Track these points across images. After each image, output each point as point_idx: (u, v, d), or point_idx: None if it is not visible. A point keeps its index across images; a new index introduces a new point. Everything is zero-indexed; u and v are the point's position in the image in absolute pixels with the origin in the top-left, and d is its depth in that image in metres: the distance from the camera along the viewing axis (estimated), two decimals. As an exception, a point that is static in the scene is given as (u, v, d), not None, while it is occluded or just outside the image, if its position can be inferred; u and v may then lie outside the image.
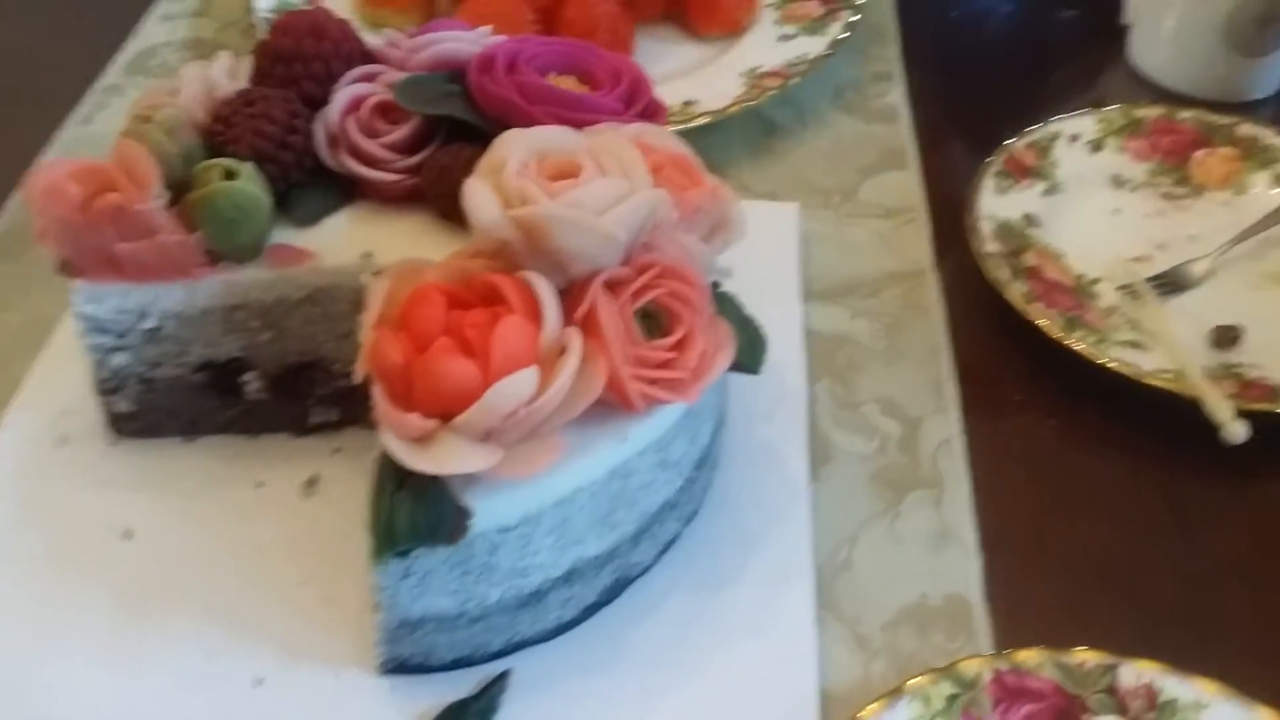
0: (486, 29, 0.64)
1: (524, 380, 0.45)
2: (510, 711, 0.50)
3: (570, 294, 0.49)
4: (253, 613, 0.54)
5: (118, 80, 0.89)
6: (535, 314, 0.47)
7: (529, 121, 0.55)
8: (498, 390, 0.44)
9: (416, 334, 0.47)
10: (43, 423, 0.62)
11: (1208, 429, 0.59)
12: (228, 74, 0.62)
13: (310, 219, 0.59)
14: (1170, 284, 0.69)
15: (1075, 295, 0.67)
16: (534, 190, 0.48)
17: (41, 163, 0.73)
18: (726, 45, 0.88)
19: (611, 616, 0.54)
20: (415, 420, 0.45)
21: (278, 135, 0.57)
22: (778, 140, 0.82)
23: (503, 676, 0.51)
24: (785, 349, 0.64)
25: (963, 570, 0.56)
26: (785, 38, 0.87)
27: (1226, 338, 0.65)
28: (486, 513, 0.46)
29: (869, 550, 0.57)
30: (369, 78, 0.61)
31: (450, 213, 0.57)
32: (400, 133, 0.58)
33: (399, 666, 0.51)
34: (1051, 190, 0.74)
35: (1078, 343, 0.62)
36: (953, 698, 0.48)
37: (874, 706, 0.48)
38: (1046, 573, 0.57)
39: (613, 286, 0.49)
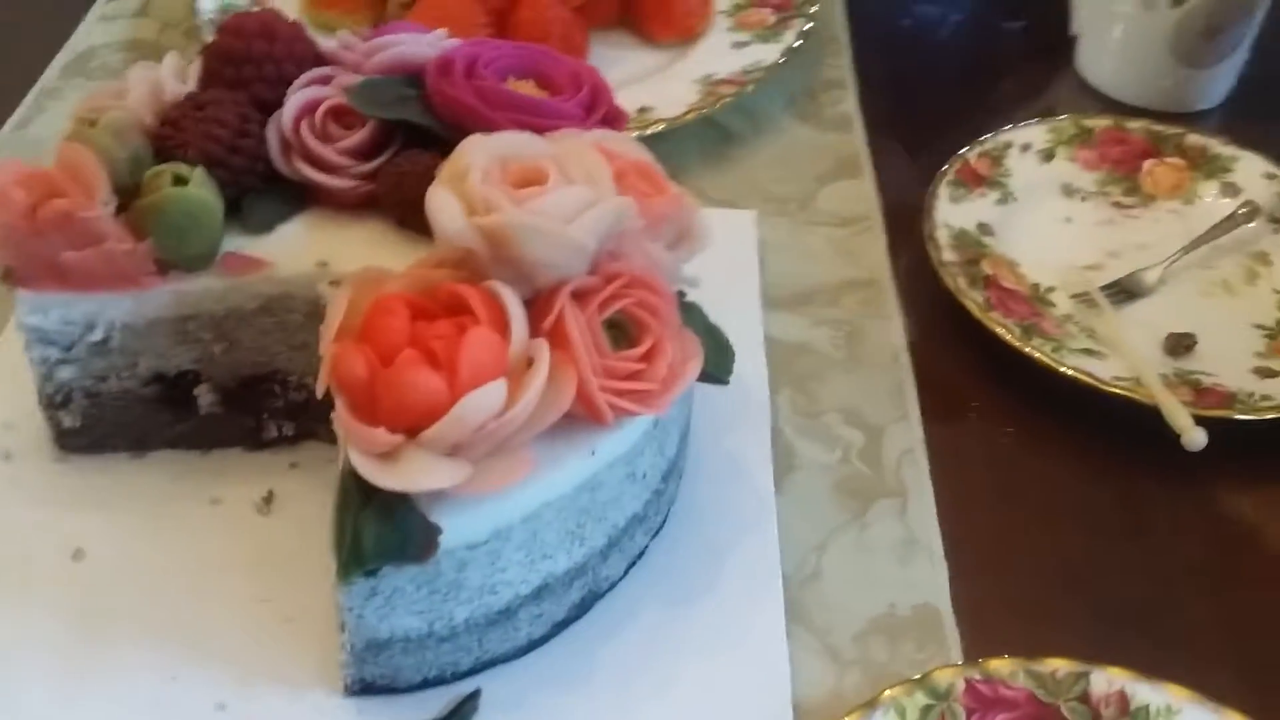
0: (442, 32, 0.63)
1: (493, 393, 0.44)
2: (480, 731, 0.50)
3: (536, 304, 0.48)
4: (212, 634, 0.52)
5: (55, 83, 0.86)
6: (502, 325, 0.46)
7: (489, 127, 0.54)
8: (466, 403, 0.43)
9: (380, 346, 0.46)
10: (-17, 439, 0.59)
11: (1164, 435, 0.60)
12: (175, 76, 0.60)
13: (263, 226, 0.57)
14: (1123, 292, 0.69)
15: (1031, 304, 0.68)
16: (499, 198, 0.48)
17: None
18: (680, 52, 0.88)
19: (582, 632, 0.53)
20: (381, 435, 0.44)
21: (228, 139, 0.56)
22: (733, 148, 0.82)
23: (473, 696, 0.50)
24: (747, 358, 0.64)
25: (930, 579, 0.56)
26: (739, 45, 0.87)
27: (1180, 345, 0.66)
28: (455, 529, 0.45)
29: (837, 560, 0.57)
30: (323, 81, 0.59)
31: (408, 220, 0.56)
32: (356, 138, 0.57)
33: (365, 688, 0.50)
34: (1004, 199, 0.75)
35: (1035, 351, 0.63)
36: (927, 708, 0.48)
37: (850, 718, 0.47)
38: (1012, 580, 0.57)
39: (580, 296, 0.48)
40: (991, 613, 0.55)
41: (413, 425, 0.44)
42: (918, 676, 0.49)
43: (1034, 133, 0.78)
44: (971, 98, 0.90)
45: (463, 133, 0.54)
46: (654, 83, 0.84)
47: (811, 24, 0.88)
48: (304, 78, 0.59)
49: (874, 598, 0.55)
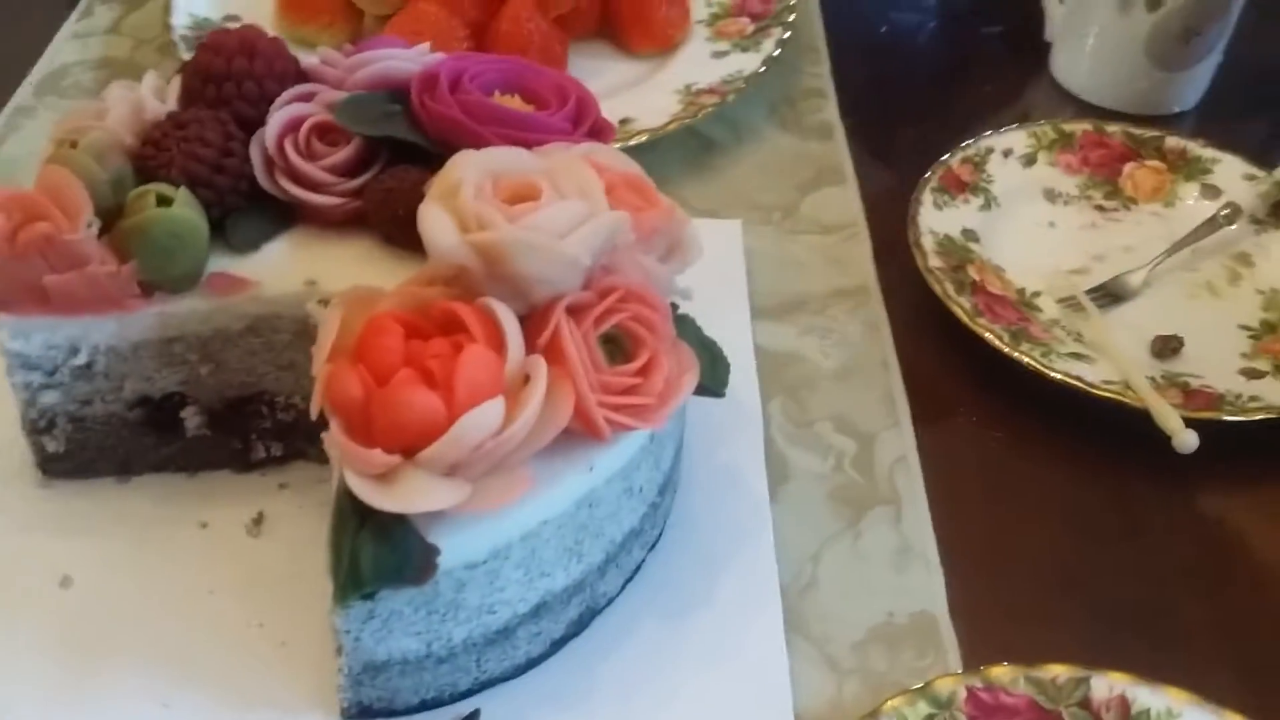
0: (425, 46, 0.62)
1: (491, 411, 0.44)
2: (481, 752, 0.49)
3: (531, 320, 0.48)
4: (205, 660, 0.51)
5: (28, 101, 0.86)
6: (498, 342, 0.46)
7: (477, 142, 0.54)
8: (465, 423, 0.43)
9: (375, 366, 0.45)
10: (-35, 465, 0.58)
11: (1153, 437, 0.60)
12: (155, 95, 0.59)
13: (249, 246, 0.56)
14: (1108, 295, 0.70)
15: (1018, 309, 0.68)
16: (493, 214, 0.47)
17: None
18: (660, 62, 0.88)
19: (580, 649, 0.52)
20: (378, 456, 0.44)
21: (212, 158, 0.55)
22: (715, 157, 0.82)
23: (473, 716, 0.50)
24: (738, 368, 0.62)
25: (926, 586, 0.56)
26: (718, 54, 0.87)
27: (1167, 348, 0.66)
28: (453, 550, 0.45)
29: (833, 569, 0.57)
30: (305, 98, 0.59)
31: (395, 237, 0.56)
32: (341, 155, 0.57)
33: (363, 711, 0.50)
34: (988, 205, 0.75)
35: (1025, 356, 0.63)
36: (930, 717, 0.48)
37: (852, 730, 0.47)
38: (1007, 585, 0.57)
39: (575, 312, 0.48)
40: (988, 618, 0.55)
41: (409, 445, 0.44)
42: (919, 686, 0.49)
43: (1015, 138, 0.78)
44: (949, 104, 0.90)
45: (450, 148, 0.54)
46: (634, 94, 0.84)
47: (789, 33, 0.88)
48: (286, 95, 0.58)
49: (871, 606, 0.55)
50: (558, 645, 0.52)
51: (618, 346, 0.49)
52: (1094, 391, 0.61)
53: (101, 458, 0.58)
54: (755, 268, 0.72)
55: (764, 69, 0.85)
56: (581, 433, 0.47)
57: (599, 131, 0.60)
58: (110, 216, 0.53)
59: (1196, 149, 0.77)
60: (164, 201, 0.53)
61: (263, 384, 0.58)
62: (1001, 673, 0.49)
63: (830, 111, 0.86)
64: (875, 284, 0.72)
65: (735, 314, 0.68)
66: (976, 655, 0.53)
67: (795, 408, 0.64)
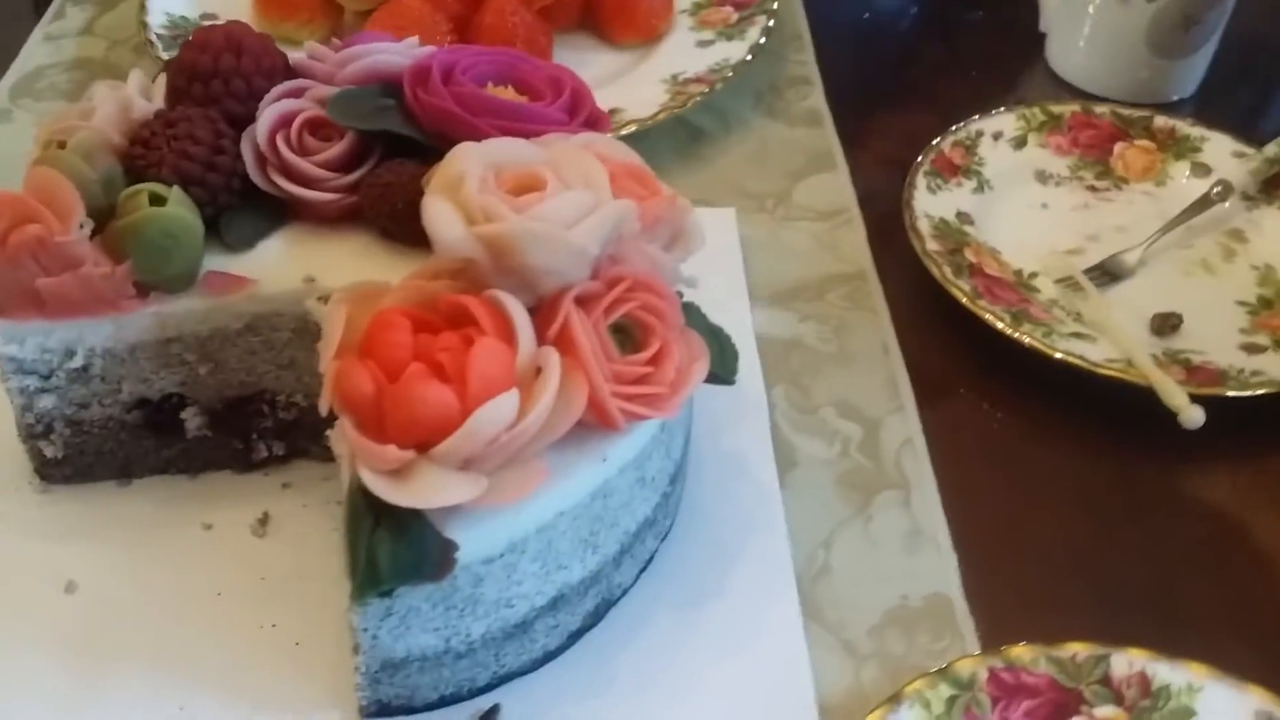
0: (414, 40, 0.62)
1: (505, 404, 0.43)
2: (501, 747, 0.49)
3: (540, 312, 0.47)
4: (219, 662, 0.50)
5: (3, 105, 0.84)
6: (508, 335, 0.45)
7: (473, 134, 0.53)
8: (480, 416, 0.42)
9: (385, 361, 0.44)
10: (-39, 473, 0.57)
11: (1156, 414, 0.60)
12: (141, 94, 0.58)
13: (244, 243, 0.56)
14: (1106, 275, 0.70)
15: (1017, 290, 0.68)
16: (499, 206, 0.47)
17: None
18: (644, 52, 0.87)
19: (597, 641, 0.52)
20: (392, 452, 0.43)
21: (204, 157, 0.54)
22: (704, 147, 0.82)
23: (493, 711, 0.49)
24: (740, 356, 0.63)
25: (940, 569, 0.56)
26: (703, 43, 0.87)
27: (1167, 325, 0.66)
28: (471, 544, 0.44)
29: (845, 555, 0.56)
30: (295, 93, 0.58)
31: (393, 232, 0.55)
32: (335, 150, 0.56)
33: (382, 709, 0.49)
34: (981, 188, 0.75)
35: (1027, 337, 0.63)
36: (952, 699, 0.48)
37: (876, 714, 0.47)
38: (1018, 564, 0.57)
39: (583, 302, 0.48)
40: (1002, 598, 0.55)
41: (423, 440, 0.43)
42: (939, 668, 0.49)
43: (1004, 121, 0.78)
44: (934, 89, 0.90)
45: (445, 141, 0.53)
46: (621, 84, 0.84)
47: (773, 21, 0.88)
48: (276, 91, 0.57)
49: (885, 590, 0.55)
50: (575, 637, 0.52)
51: (627, 336, 0.48)
52: (1097, 370, 0.61)
53: (101, 461, 0.57)
54: (751, 255, 0.72)
55: (750, 57, 0.84)
56: (594, 424, 0.47)
57: (595, 122, 0.59)
58: (102, 217, 0.52)
59: (1185, 127, 0.78)
60: (157, 201, 0.52)
61: (263, 383, 0.57)
62: (1022, 652, 0.49)
63: (817, 98, 0.86)
64: (872, 269, 0.72)
65: (734, 302, 0.68)
66: (993, 638, 0.53)
67: (798, 394, 0.64)
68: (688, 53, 0.86)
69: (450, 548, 0.44)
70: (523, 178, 0.49)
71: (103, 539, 0.55)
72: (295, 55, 0.60)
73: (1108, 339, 0.64)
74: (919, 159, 0.75)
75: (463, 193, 0.47)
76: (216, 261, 0.54)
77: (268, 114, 0.56)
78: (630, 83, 0.84)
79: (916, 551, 0.57)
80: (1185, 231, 0.73)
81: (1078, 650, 0.49)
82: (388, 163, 0.56)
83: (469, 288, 0.47)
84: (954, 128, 0.77)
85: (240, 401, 0.57)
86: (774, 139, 0.82)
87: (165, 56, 0.82)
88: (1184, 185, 0.76)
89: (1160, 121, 0.78)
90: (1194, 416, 0.59)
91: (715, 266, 0.69)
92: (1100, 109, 0.79)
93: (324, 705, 0.49)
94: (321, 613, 0.51)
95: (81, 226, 0.51)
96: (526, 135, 0.53)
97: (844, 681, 0.51)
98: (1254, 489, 0.61)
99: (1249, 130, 0.78)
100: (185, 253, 0.53)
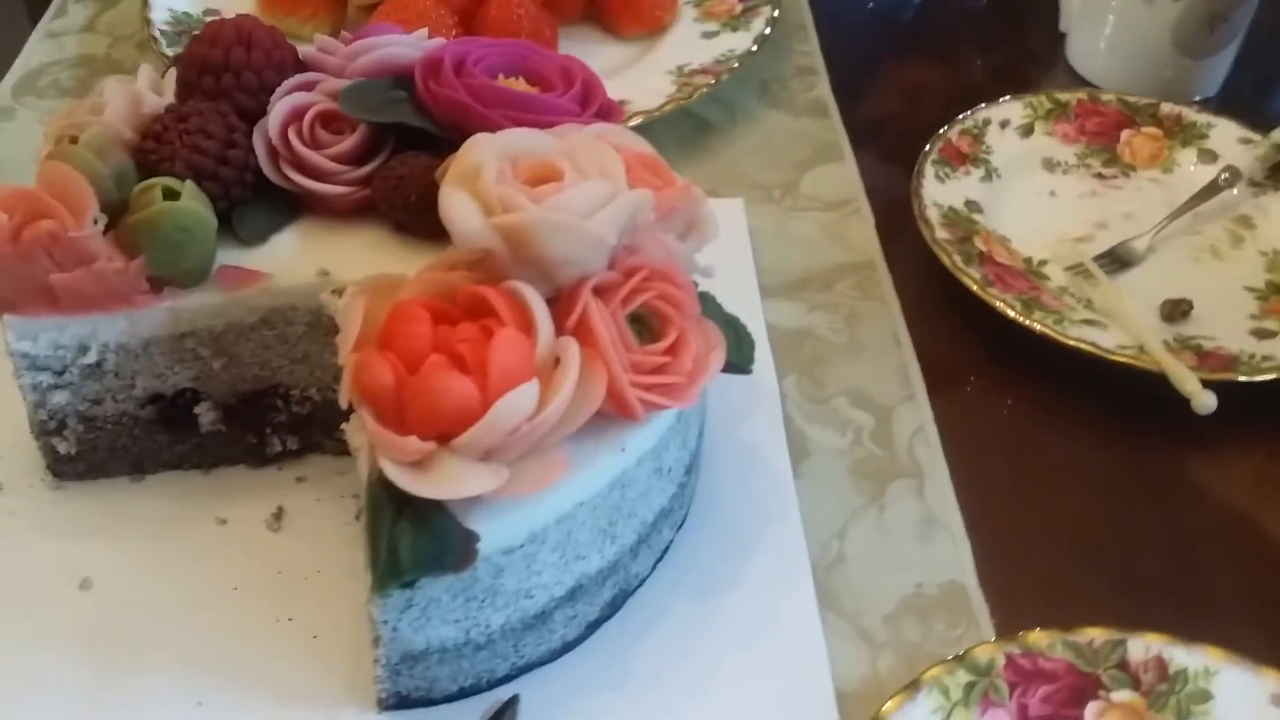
0: (423, 32, 0.61)
1: (526, 395, 0.43)
2: (521, 737, 0.49)
3: (558, 302, 0.47)
4: (236, 657, 0.51)
5: (6, 103, 0.84)
6: (527, 325, 0.46)
7: (486, 125, 0.53)
8: (500, 407, 0.43)
9: (405, 353, 0.44)
10: (-27, 470, 0.57)
11: (1168, 400, 0.61)
12: (151, 88, 0.58)
13: (257, 237, 0.56)
14: (1115, 261, 0.70)
15: (1027, 278, 0.68)
16: (517, 196, 0.47)
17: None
18: (649, 44, 0.87)
19: (615, 631, 0.52)
20: (413, 443, 0.43)
21: (216, 151, 0.54)
22: (711, 138, 0.82)
23: (512, 702, 0.49)
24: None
25: (954, 556, 0.56)
26: (708, 35, 0.87)
27: (1177, 311, 0.66)
28: (492, 535, 0.44)
29: (859, 543, 0.57)
30: (307, 87, 0.58)
31: (406, 224, 0.55)
32: (347, 143, 0.56)
33: (401, 701, 0.49)
34: (989, 176, 0.75)
35: (1038, 324, 0.63)
36: (970, 685, 0.48)
37: (894, 701, 0.47)
38: (1033, 552, 0.57)
39: (601, 292, 0.48)
40: (1016, 584, 0.55)
41: (444, 432, 0.43)
42: (957, 655, 0.49)
43: (1011, 109, 0.78)
44: (939, 78, 0.90)
45: (458, 133, 0.53)
46: (627, 76, 0.83)
47: (778, 11, 0.88)
48: (287, 84, 0.57)
49: (900, 578, 0.55)
50: (593, 628, 0.52)
51: (644, 326, 0.49)
52: (1109, 357, 0.61)
53: (114, 458, 0.57)
54: (759, 246, 0.72)
55: (756, 48, 0.84)
56: (613, 414, 0.47)
57: (607, 112, 0.60)
58: (114, 212, 0.52)
59: (1191, 114, 0.78)
60: (170, 195, 0.52)
61: (277, 377, 0.57)
62: (1039, 638, 0.49)
63: (823, 89, 0.86)
64: (881, 258, 0.72)
65: (745, 292, 0.68)
66: (1008, 624, 0.53)
67: (810, 384, 0.64)
68: (693, 44, 0.86)
69: (472, 539, 0.44)
70: (539, 168, 0.49)
71: (117, 535, 0.55)
72: (305, 49, 0.60)
73: (1119, 325, 0.64)
74: (926, 148, 0.75)
75: (480, 184, 0.47)
76: (230, 256, 0.54)
77: (279, 107, 0.56)
78: (635, 75, 0.84)
79: (931, 539, 0.57)
80: (1193, 218, 0.73)
81: (1094, 635, 0.49)
82: (400, 155, 0.56)
83: (487, 279, 0.47)
84: (961, 116, 0.77)
85: (254, 396, 0.57)
86: (780, 130, 0.82)
87: (169, 53, 0.81)
88: (1191, 172, 0.76)
89: (1167, 108, 0.78)
90: (1206, 402, 0.59)
91: (725, 257, 0.68)
92: (1107, 96, 0.79)
93: (342, 698, 0.49)
94: (338, 606, 0.51)
95: (95, 221, 0.51)
96: (539, 126, 0.53)
97: (861, 669, 0.52)
98: (1267, 473, 0.62)
99: (1271, 127, 0.77)
100: (199, 247, 0.53)
